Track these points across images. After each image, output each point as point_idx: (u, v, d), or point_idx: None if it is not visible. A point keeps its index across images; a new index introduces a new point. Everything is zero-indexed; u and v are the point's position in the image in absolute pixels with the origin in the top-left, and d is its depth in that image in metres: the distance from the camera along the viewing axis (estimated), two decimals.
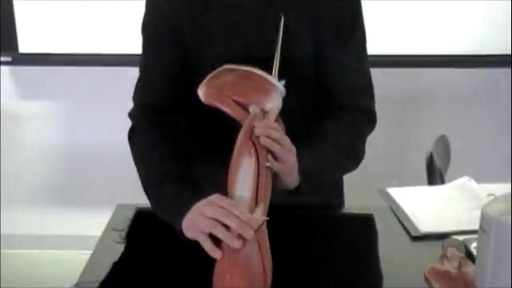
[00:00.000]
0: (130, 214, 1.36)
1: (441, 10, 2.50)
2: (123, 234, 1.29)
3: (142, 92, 1.38)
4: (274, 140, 1.13)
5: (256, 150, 1.11)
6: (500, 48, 2.52)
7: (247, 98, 1.19)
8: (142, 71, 1.38)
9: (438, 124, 2.66)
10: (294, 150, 1.17)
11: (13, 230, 2.83)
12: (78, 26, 2.54)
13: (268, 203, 1.12)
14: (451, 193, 1.50)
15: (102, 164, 2.83)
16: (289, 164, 1.16)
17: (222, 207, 1.08)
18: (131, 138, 1.37)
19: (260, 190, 1.10)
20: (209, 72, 1.24)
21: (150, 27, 1.35)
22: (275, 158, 1.14)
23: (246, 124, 1.15)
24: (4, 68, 2.66)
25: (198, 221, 1.11)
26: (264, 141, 1.12)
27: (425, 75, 2.67)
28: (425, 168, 1.93)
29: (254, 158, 1.10)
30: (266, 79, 1.22)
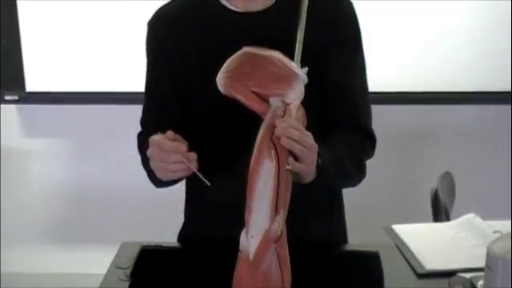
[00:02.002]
0: (135, 252, 1.35)
1: (443, 49, 2.53)
2: (128, 272, 1.28)
3: (143, 112, 1.44)
4: (296, 141, 1.10)
5: (277, 151, 1.08)
6: (500, 85, 2.54)
7: (268, 89, 1.16)
8: (144, 93, 1.45)
9: (442, 160, 2.67)
10: (315, 147, 1.15)
11: (14, 268, 2.82)
12: (82, 64, 2.57)
13: (287, 208, 1.10)
14: (457, 230, 1.49)
15: (107, 202, 2.82)
16: (309, 163, 1.14)
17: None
18: (139, 151, 1.41)
19: (280, 197, 1.07)
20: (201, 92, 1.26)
21: (147, 51, 1.41)
22: (296, 158, 1.11)
23: (265, 122, 1.11)
24: (10, 105, 2.68)
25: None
26: (285, 142, 1.09)
27: (428, 112, 2.68)
28: (430, 205, 1.92)
29: (274, 161, 1.07)
30: (287, 66, 1.17)
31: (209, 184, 1.19)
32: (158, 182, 1.34)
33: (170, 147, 1.19)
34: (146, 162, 1.30)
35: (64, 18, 2.53)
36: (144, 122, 1.45)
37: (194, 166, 1.19)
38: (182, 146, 1.20)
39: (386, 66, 2.50)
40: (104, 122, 2.74)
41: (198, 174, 1.20)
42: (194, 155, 1.21)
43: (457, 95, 2.58)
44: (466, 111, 2.68)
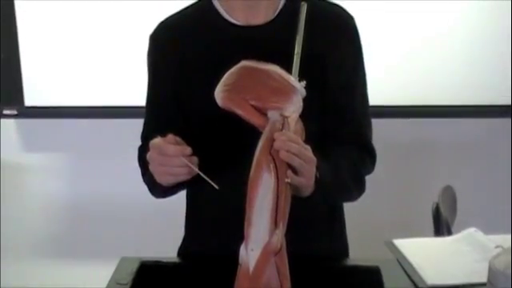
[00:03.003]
0: (134, 267, 1.34)
1: (442, 62, 2.52)
2: (127, 287, 1.27)
3: (144, 125, 1.44)
4: (295, 154, 1.11)
5: (275, 165, 1.09)
6: (501, 99, 2.54)
7: (266, 102, 1.16)
8: (145, 106, 1.45)
9: (443, 174, 2.67)
10: (314, 161, 1.16)
11: (14, 282, 2.80)
12: (81, 78, 2.56)
13: (287, 220, 1.10)
14: (458, 244, 1.48)
15: (106, 216, 2.81)
16: (308, 176, 1.15)
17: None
18: (139, 164, 1.41)
19: (280, 210, 1.08)
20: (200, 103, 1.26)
21: (148, 64, 1.41)
22: (295, 171, 1.12)
23: (264, 135, 1.12)
24: (9, 120, 2.68)
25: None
26: (284, 156, 1.09)
27: (428, 125, 2.68)
28: (431, 219, 1.92)
29: (273, 174, 1.08)
30: (286, 80, 1.18)
31: (217, 187, 1.19)
32: (158, 193, 1.34)
33: (174, 151, 1.19)
34: (146, 175, 1.30)
35: (63, 32, 2.52)
36: (145, 135, 1.44)
37: (196, 169, 1.20)
38: (186, 148, 1.20)
39: (385, 80, 2.49)
40: (103, 136, 2.73)
41: (204, 176, 1.20)
42: (195, 159, 1.21)
43: (457, 109, 2.57)
44: (467, 124, 2.68)
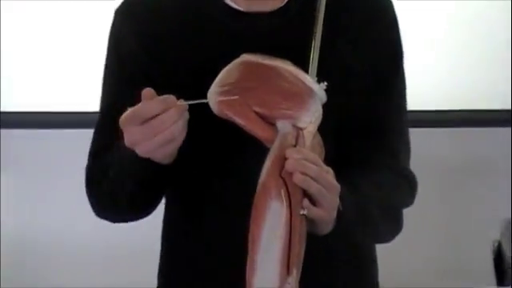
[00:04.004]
0: None
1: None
2: None
3: (98, 138, 1.35)
4: (313, 178, 1.06)
5: (288, 191, 1.05)
6: None
7: (275, 109, 1.12)
8: (100, 111, 1.37)
9: (503, 202, 2.61)
10: (337, 188, 1.11)
11: None
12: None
13: (301, 264, 1.07)
14: None
15: (54, 254, 2.82)
16: (329, 208, 1.10)
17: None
18: (89, 193, 1.33)
19: (293, 251, 1.04)
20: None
21: (110, 51, 1.36)
22: (312, 200, 1.07)
23: (272, 153, 1.08)
24: None
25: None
26: (299, 179, 1.05)
27: (478, 136, 2.71)
28: (491, 262, 1.90)
29: (284, 204, 1.05)
30: (300, 80, 1.14)
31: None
32: (130, 213, 1.30)
33: (160, 106, 1.09)
34: (100, 187, 1.26)
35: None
36: (96, 149, 1.34)
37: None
38: (169, 96, 1.11)
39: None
40: (50, 149, 2.76)
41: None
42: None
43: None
44: None
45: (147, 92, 1.10)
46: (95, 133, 1.36)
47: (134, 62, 1.30)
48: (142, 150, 1.12)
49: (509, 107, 2.63)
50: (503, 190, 2.69)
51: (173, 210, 1.33)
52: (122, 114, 1.18)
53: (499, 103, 2.68)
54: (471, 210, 2.73)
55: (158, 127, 1.09)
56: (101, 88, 1.35)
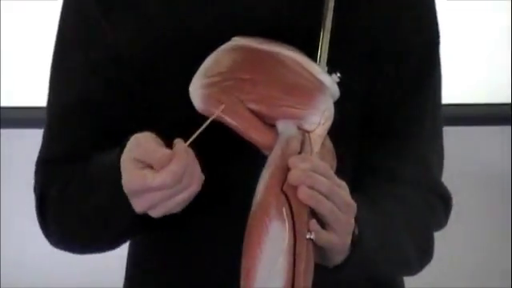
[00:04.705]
0: None
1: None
2: None
3: (48, 141, 1.24)
4: (323, 194, 0.98)
5: (291, 209, 0.98)
6: None
7: (275, 106, 1.04)
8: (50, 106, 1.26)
9: None
10: (353, 208, 1.03)
11: None
12: None
13: None
14: None
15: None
16: (343, 232, 1.02)
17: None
18: (44, 221, 1.23)
19: (297, 284, 0.98)
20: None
21: (63, 26, 1.23)
22: (321, 222, 0.99)
23: (272, 161, 1.01)
24: None
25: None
26: (306, 195, 0.97)
27: None
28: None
29: (287, 226, 0.98)
30: (307, 70, 1.05)
31: None
32: (111, 239, 1.21)
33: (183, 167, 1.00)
34: (68, 213, 1.17)
35: None
36: (53, 155, 1.22)
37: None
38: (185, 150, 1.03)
39: None
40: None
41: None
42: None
43: None
44: None
45: (149, 141, 1.04)
46: (49, 131, 1.27)
47: (99, 38, 1.20)
48: (159, 213, 1.05)
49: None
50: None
51: (144, 244, 1.26)
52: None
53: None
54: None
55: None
56: (50, 74, 1.26)
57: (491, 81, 2.72)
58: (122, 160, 1.04)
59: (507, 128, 2.65)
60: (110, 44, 1.18)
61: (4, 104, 2.76)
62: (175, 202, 1.03)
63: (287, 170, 0.99)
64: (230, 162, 1.09)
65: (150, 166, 1.02)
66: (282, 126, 1.04)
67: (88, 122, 1.22)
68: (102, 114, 1.21)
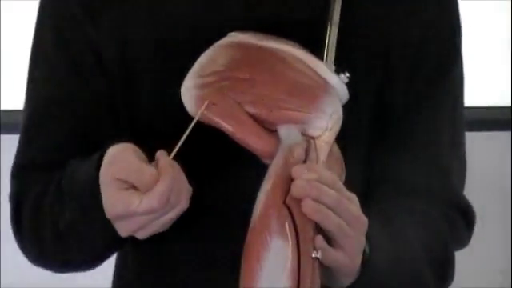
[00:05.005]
0: None
1: None
2: None
3: (24, 147, 1.20)
4: (330, 208, 0.93)
5: (294, 224, 0.94)
6: None
7: (277, 109, 0.99)
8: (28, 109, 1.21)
9: None
10: (364, 223, 0.98)
11: None
12: None
13: None
14: None
15: None
16: (351, 250, 0.97)
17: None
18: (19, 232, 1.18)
19: None
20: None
21: (42, 23, 1.18)
22: (329, 239, 0.94)
23: (273, 171, 0.96)
24: None
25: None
26: (311, 209, 0.92)
27: None
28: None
29: (290, 242, 0.93)
30: (312, 70, 1.00)
31: None
32: (91, 255, 1.16)
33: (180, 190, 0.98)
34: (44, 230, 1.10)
35: None
36: (22, 163, 1.18)
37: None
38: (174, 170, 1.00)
39: None
40: None
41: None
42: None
43: None
44: None
45: (131, 158, 0.99)
46: (26, 137, 1.23)
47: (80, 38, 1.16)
48: (145, 234, 1.03)
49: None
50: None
51: (129, 257, 1.21)
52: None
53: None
54: None
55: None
56: (28, 75, 1.22)
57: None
58: (101, 174, 0.99)
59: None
60: (92, 44, 1.14)
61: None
62: (162, 222, 0.99)
63: (290, 180, 0.94)
64: (226, 173, 1.04)
65: (134, 186, 0.97)
66: (284, 131, 0.99)
67: (66, 124, 1.18)
68: (80, 116, 1.17)
